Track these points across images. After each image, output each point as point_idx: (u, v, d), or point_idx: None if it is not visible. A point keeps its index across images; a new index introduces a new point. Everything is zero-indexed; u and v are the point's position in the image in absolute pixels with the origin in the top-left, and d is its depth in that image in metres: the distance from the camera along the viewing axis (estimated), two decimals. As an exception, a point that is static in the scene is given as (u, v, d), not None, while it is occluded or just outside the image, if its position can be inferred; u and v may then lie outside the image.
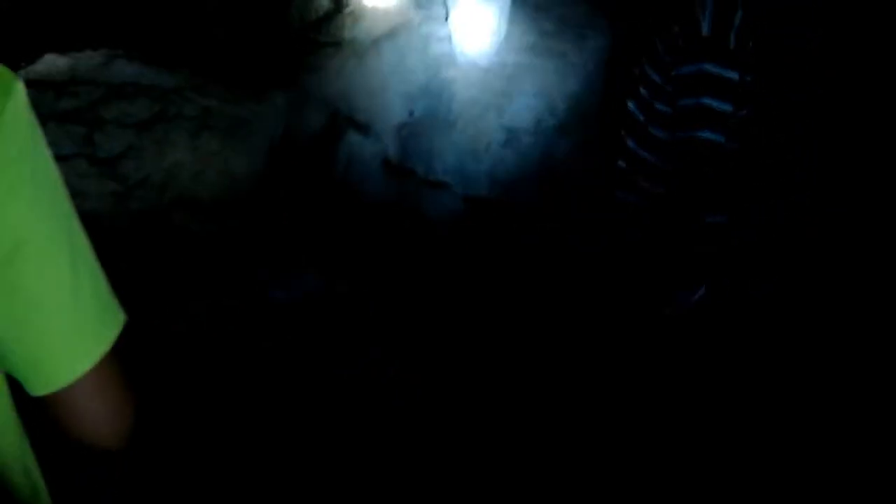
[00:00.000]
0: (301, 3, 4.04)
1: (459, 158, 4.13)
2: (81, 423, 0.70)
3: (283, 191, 3.54)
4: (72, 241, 0.66)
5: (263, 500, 2.32)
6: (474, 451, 2.56)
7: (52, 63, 3.29)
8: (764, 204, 2.03)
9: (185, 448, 2.34)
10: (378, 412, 2.66)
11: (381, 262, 3.44)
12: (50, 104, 3.12)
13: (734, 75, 1.82)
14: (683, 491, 2.28)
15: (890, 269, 2.69)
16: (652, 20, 2.36)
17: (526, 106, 4.23)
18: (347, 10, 4.06)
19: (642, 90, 2.07)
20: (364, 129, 3.88)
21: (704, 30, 1.83)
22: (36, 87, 3.15)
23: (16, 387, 0.72)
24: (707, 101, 1.84)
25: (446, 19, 4.16)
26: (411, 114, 4.18)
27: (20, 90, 0.61)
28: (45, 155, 0.64)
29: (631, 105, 2.13)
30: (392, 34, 4.08)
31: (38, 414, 0.71)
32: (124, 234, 2.98)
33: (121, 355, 0.71)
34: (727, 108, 1.84)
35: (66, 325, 0.66)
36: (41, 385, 0.67)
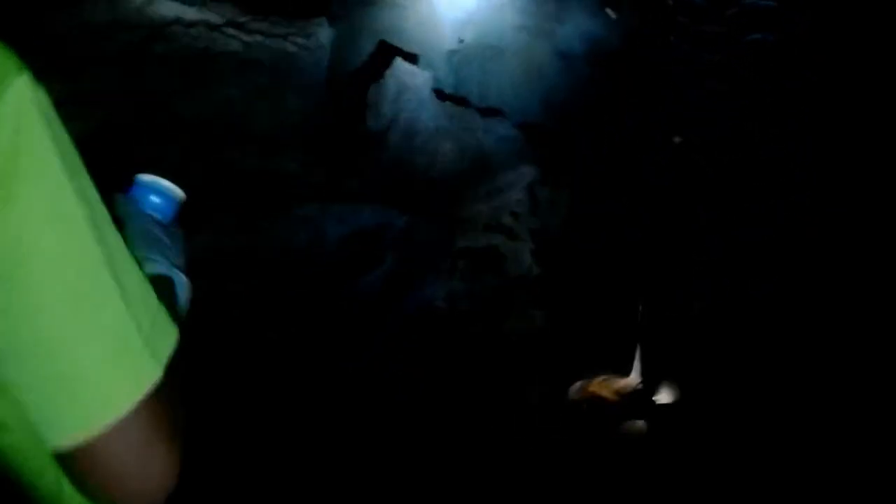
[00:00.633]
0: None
1: (513, 85, 3.98)
2: (113, 483, 0.51)
3: (335, 124, 3.46)
4: (102, 250, 0.50)
5: (267, 491, 2.32)
6: (475, 445, 2.57)
7: (94, 5, 3.25)
8: (764, 204, 2.04)
9: (186, 443, 2.31)
10: (381, 406, 2.63)
11: (435, 193, 3.35)
12: (94, 46, 3.09)
13: None
14: (683, 490, 2.35)
15: (890, 269, 2.61)
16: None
17: (577, 29, 4.04)
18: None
19: None
20: (413, 58, 3.76)
21: None
22: (80, 30, 3.12)
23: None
24: None
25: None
26: (461, 41, 4.04)
27: (23, 83, 0.48)
28: (55, 150, 0.49)
29: None
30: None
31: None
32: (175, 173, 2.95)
33: (170, 386, 0.53)
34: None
35: (100, 353, 0.50)
36: (61, 430, 0.50)
